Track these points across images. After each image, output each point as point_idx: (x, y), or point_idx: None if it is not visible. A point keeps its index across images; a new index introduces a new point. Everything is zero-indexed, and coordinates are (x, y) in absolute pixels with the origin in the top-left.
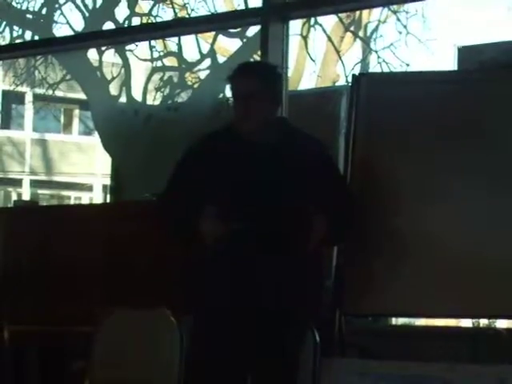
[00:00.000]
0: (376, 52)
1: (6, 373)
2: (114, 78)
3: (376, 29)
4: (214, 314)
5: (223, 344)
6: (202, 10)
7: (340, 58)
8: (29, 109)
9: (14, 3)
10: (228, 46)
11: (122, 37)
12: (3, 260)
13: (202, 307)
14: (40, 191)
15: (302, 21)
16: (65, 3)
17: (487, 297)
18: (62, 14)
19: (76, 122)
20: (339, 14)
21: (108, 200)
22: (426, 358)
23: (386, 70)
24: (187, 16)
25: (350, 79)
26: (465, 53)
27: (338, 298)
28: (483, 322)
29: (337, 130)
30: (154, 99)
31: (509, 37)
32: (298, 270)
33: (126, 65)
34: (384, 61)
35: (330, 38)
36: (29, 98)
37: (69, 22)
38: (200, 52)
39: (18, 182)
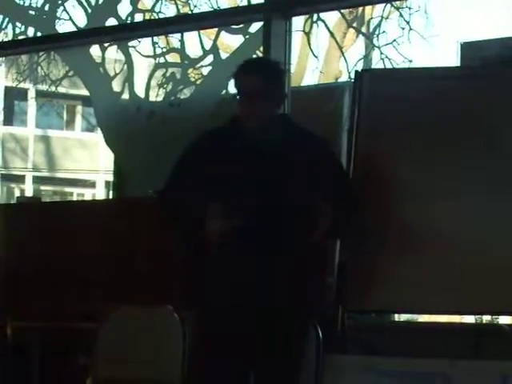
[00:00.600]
0: (379, 48)
1: (8, 369)
2: (116, 75)
3: (379, 25)
4: (215, 311)
5: (225, 342)
6: (204, 7)
7: (343, 54)
8: (31, 105)
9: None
10: (231, 42)
11: (125, 33)
12: (6, 256)
13: (204, 305)
14: (43, 187)
15: (305, 17)
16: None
17: (490, 293)
18: (64, 10)
19: (79, 119)
20: (342, 10)
21: (111, 196)
22: (429, 355)
23: (388, 66)
24: (190, 12)
25: (352, 75)
26: (467, 49)
27: (341, 295)
28: (486, 318)
29: (339, 126)
30: (156, 95)
31: (511, 33)
32: (301, 267)
33: (129, 61)
34: (387, 57)
35: (332, 34)
36: (31, 94)
37: (71, 18)
38: (203, 48)
39: (20, 179)
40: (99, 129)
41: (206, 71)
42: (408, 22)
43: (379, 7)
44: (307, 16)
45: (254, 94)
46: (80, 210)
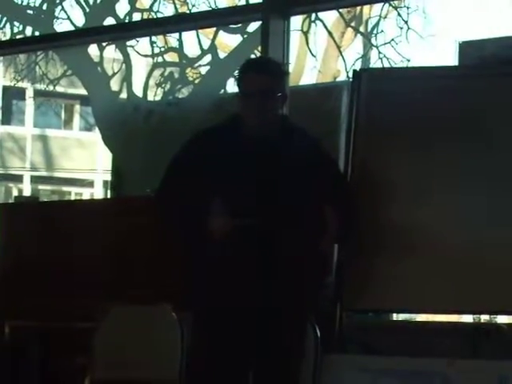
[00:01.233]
0: (377, 47)
1: (6, 369)
2: (114, 74)
3: (377, 24)
4: (215, 311)
5: (224, 342)
6: (202, 6)
7: (341, 53)
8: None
9: None
10: (229, 41)
11: (123, 32)
12: (4, 255)
13: (203, 304)
14: (41, 187)
15: (303, 16)
16: None
17: (488, 293)
18: (62, 9)
19: (77, 118)
20: (340, 10)
21: (109, 196)
22: (427, 354)
23: (386, 65)
24: (188, 12)
25: (350, 75)
26: (466, 48)
27: (339, 294)
28: (484, 317)
29: (338, 125)
30: (154, 95)
31: (510, 32)
32: (301, 267)
33: (127, 60)
34: (385, 56)
35: (330, 34)
36: (29, 93)
37: (70, 17)
38: (201, 48)
39: (18, 178)
40: (97, 128)
41: (204, 70)
42: (406, 22)
43: (377, 6)
44: (305, 15)
45: (260, 93)
46: (78, 210)
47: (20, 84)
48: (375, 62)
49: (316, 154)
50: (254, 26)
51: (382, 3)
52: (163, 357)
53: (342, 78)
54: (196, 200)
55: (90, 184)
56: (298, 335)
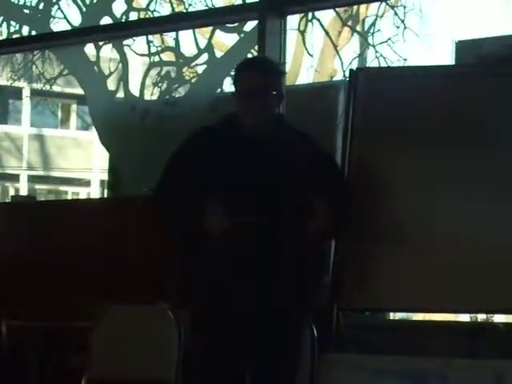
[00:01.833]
0: (374, 47)
1: (3, 368)
2: (111, 73)
3: (374, 23)
4: (212, 310)
5: (221, 341)
6: (199, 5)
7: (337, 52)
8: (26, 104)
9: None
10: (225, 40)
11: (120, 32)
12: (0, 255)
13: (201, 304)
14: (37, 186)
15: (300, 15)
16: None
17: (485, 292)
18: (59, 8)
19: (73, 117)
20: (337, 9)
21: (105, 195)
22: (424, 353)
23: (383, 64)
24: (185, 11)
25: (347, 74)
26: (463, 47)
27: (336, 293)
28: (481, 316)
29: (334, 124)
30: (151, 94)
31: (507, 31)
32: (299, 267)
33: (124, 60)
34: (382, 55)
35: (327, 33)
36: (26, 93)
37: (66, 16)
38: (197, 47)
39: (15, 177)
40: (94, 127)
41: (200, 70)
42: (403, 21)
43: (374, 6)
44: (302, 15)
45: (258, 92)
46: (75, 209)
47: (17, 83)
48: (372, 62)
49: (313, 152)
50: (250, 25)
51: (379, 2)
52: (160, 356)
53: (339, 77)
54: (194, 199)
55: (87, 183)
56: (295, 334)
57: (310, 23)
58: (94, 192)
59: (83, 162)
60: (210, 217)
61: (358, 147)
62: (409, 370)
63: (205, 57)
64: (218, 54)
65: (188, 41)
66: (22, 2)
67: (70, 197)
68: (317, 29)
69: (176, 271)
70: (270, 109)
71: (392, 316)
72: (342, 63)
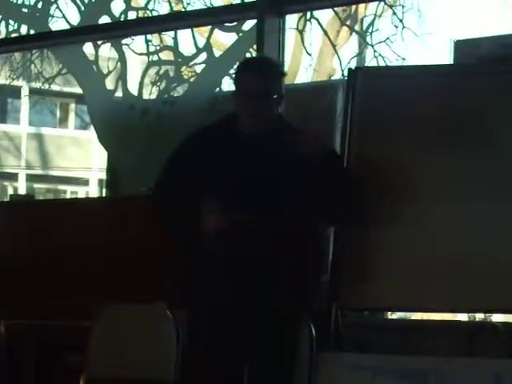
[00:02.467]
0: (372, 46)
1: (1, 368)
2: (110, 72)
3: (372, 23)
4: (210, 310)
5: (219, 340)
6: (197, 4)
7: (336, 51)
8: (25, 103)
9: None
10: (224, 39)
11: (118, 31)
12: None
13: (199, 303)
14: (36, 185)
15: (298, 15)
16: None
17: (484, 291)
18: (57, 7)
19: (72, 116)
20: (335, 8)
21: (104, 194)
22: (422, 352)
23: (381, 64)
24: (183, 10)
25: (346, 73)
26: (461, 46)
27: (334, 292)
28: (479, 316)
29: (333, 123)
30: (150, 93)
31: (505, 30)
32: (297, 266)
33: (122, 59)
34: (380, 55)
35: (326, 32)
36: (25, 92)
37: (65, 15)
38: (196, 46)
39: (13, 176)
40: (92, 126)
41: (199, 69)
42: (401, 20)
43: (372, 5)
44: (301, 14)
45: (257, 94)
46: (74, 208)
47: (15, 82)
48: (370, 61)
49: (313, 149)
50: (249, 25)
51: (377, 2)
52: (158, 355)
53: (338, 76)
54: (192, 198)
55: (86, 182)
56: (293, 333)
57: (308, 22)
58: (93, 191)
59: (82, 161)
60: (208, 215)
61: (356, 146)
62: (407, 370)
63: (203, 56)
64: (217, 53)
65: (186, 40)
66: (20, 1)
67: (68, 196)
68: (315, 28)
69: (175, 270)
70: (268, 110)
71: (391, 315)
72: (340, 62)
